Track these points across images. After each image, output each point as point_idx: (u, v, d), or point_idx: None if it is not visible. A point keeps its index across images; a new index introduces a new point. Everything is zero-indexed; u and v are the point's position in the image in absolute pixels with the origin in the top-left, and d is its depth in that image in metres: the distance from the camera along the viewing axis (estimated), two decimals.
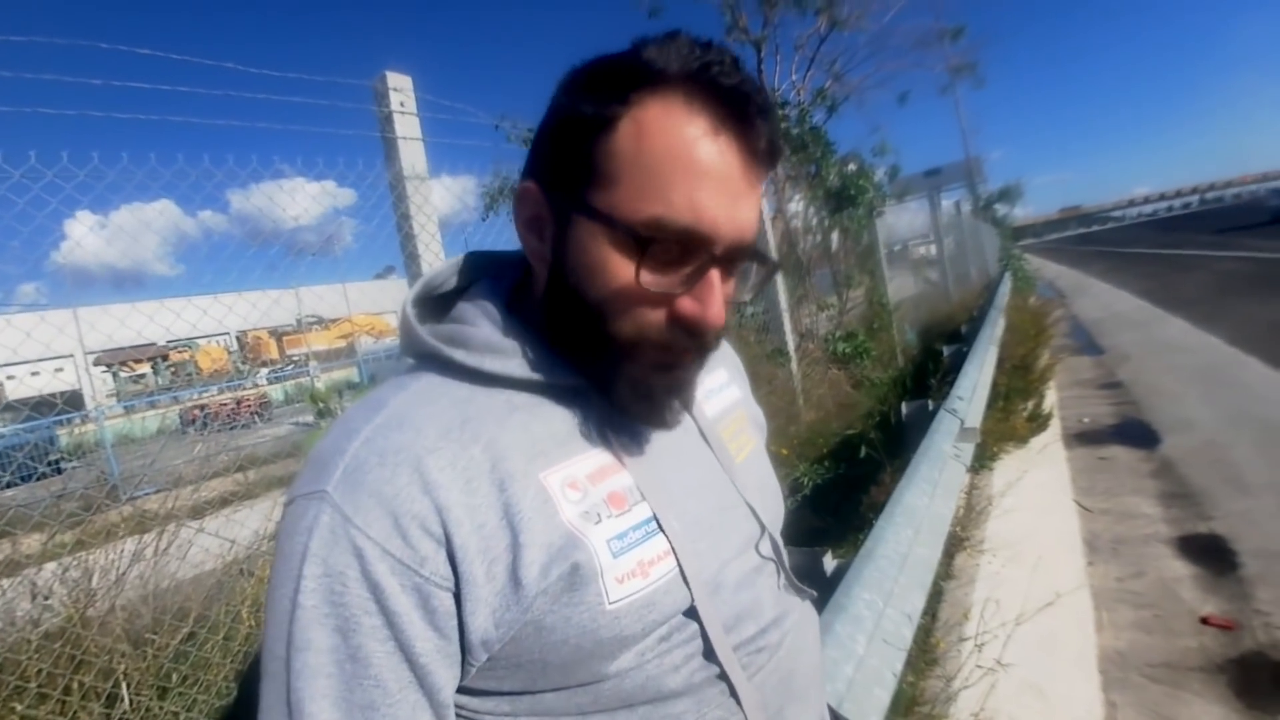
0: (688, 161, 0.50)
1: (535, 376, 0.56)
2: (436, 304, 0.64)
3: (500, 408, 0.55)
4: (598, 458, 0.57)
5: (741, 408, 0.77)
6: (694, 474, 0.63)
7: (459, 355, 0.56)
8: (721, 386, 0.75)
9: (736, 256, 0.55)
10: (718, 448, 0.67)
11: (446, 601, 0.49)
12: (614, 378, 0.56)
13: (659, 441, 0.61)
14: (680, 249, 0.52)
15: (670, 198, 0.50)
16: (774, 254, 4.81)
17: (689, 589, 0.56)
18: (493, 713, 0.54)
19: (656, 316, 0.54)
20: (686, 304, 0.53)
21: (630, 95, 0.51)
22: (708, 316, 0.53)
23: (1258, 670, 2.11)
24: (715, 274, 0.53)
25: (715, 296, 0.53)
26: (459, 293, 0.64)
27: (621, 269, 0.52)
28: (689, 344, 0.55)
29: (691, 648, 0.56)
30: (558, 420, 0.57)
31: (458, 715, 0.54)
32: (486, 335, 0.57)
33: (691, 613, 0.56)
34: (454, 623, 0.49)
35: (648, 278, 0.52)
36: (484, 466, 0.51)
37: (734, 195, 0.52)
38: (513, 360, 0.56)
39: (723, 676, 0.57)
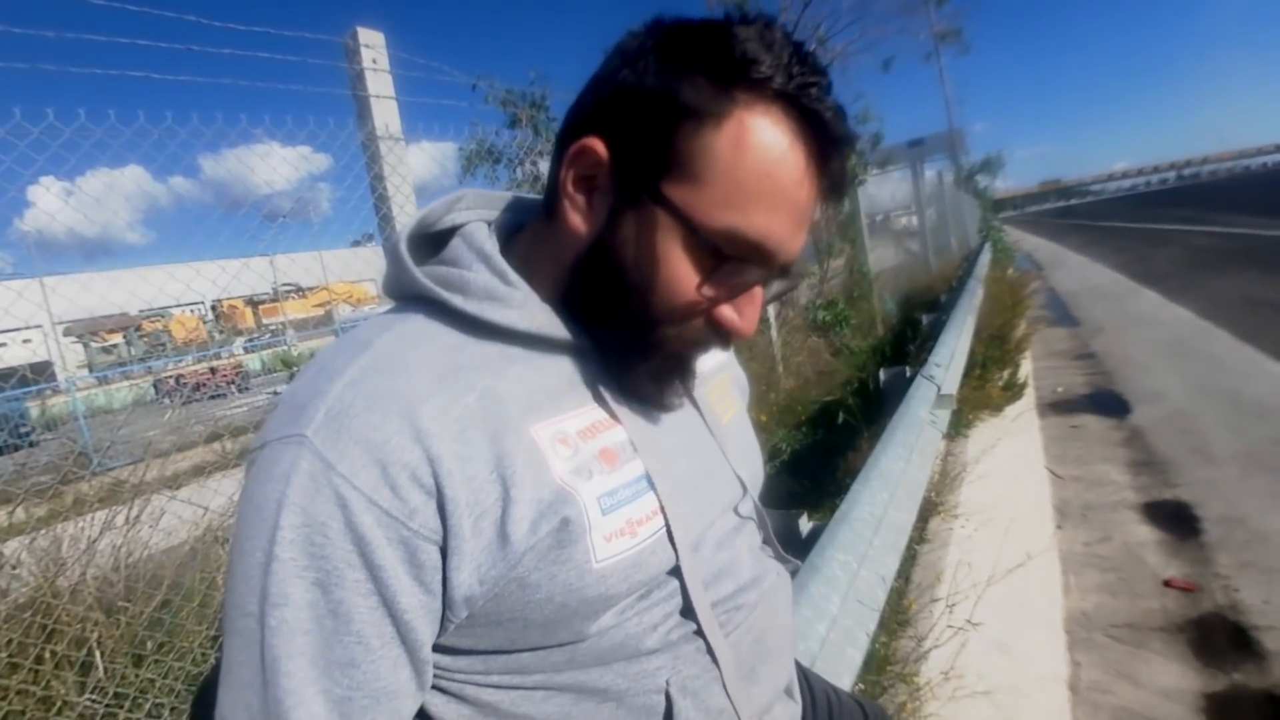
0: (777, 187, 0.50)
1: (536, 330, 0.55)
2: (429, 243, 0.62)
3: (495, 358, 0.53)
4: (590, 413, 0.56)
5: (726, 370, 0.76)
6: (683, 434, 0.63)
7: (457, 300, 0.54)
8: None
9: (781, 274, 0.56)
10: (705, 409, 0.67)
11: (434, 556, 0.47)
12: (633, 360, 0.56)
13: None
14: (740, 264, 0.52)
15: (749, 214, 0.50)
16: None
17: (674, 549, 0.55)
18: (465, 671, 0.53)
19: (697, 318, 0.54)
20: (728, 314, 0.54)
21: (734, 92, 0.49)
22: (743, 328, 0.55)
23: (1215, 631, 2.18)
24: (759, 290, 0.55)
25: (754, 311, 0.56)
26: (453, 232, 0.61)
27: (684, 271, 0.52)
28: (711, 342, 0.57)
29: (671, 605, 0.56)
30: (552, 374, 0.55)
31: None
32: (486, 282, 0.55)
33: (674, 571, 0.55)
34: (439, 578, 0.47)
35: (707, 287, 0.52)
36: (478, 416, 0.49)
37: (800, 223, 0.53)
38: (514, 311, 0.54)
39: (699, 634, 0.57)
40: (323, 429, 0.46)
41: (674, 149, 0.50)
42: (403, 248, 0.57)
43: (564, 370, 0.56)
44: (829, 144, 0.51)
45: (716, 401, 0.70)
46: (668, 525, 0.55)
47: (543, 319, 0.55)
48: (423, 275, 0.55)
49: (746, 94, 0.49)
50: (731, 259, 0.51)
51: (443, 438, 0.47)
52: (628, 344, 0.55)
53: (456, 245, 0.58)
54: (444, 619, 0.49)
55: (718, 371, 0.73)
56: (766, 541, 0.70)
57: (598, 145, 0.52)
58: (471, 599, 0.48)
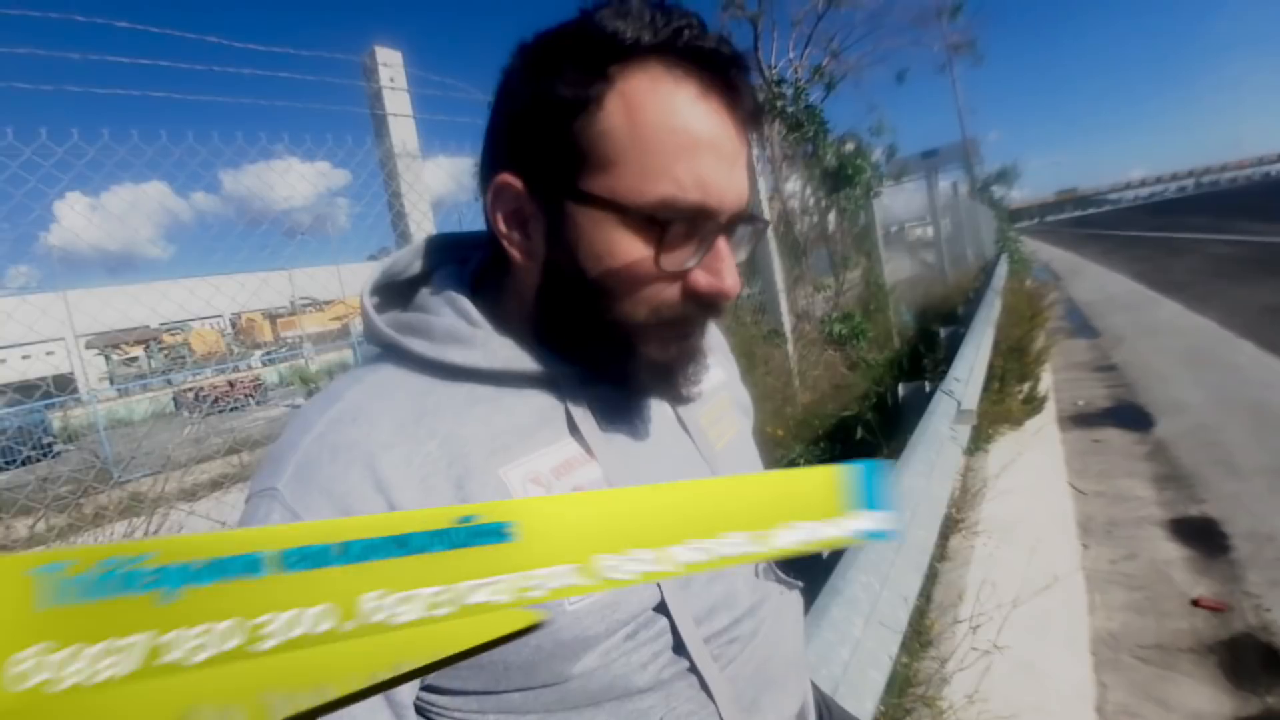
0: (685, 134, 0.49)
1: (501, 367, 0.54)
2: (400, 291, 0.62)
3: (461, 400, 0.53)
4: (564, 449, 0.55)
5: (725, 391, 0.74)
6: (669, 464, 0.61)
7: (419, 346, 0.54)
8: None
9: (738, 222, 0.54)
10: (696, 435, 0.65)
11: None
12: (629, 361, 0.55)
13: (632, 430, 0.59)
14: (689, 224, 0.51)
15: (675, 174, 0.49)
16: (768, 226, 4.79)
17: (658, 585, 0.54)
18: (461, 709, 0.53)
19: (671, 294, 0.53)
20: (702, 278, 0.53)
21: (609, 70, 0.49)
22: (724, 288, 0.53)
23: (1247, 652, 2.12)
24: (723, 243, 0.53)
25: (728, 266, 0.54)
26: (424, 278, 0.62)
27: (636, 253, 0.51)
28: (703, 315, 0.56)
29: (660, 644, 0.54)
30: (523, 412, 0.55)
31: (428, 712, 0.53)
32: (450, 324, 0.55)
33: (661, 608, 0.54)
34: None
35: (664, 258, 0.51)
36: (440, 463, 0.50)
37: (730, 161, 0.52)
38: (477, 351, 0.54)
39: (693, 670, 0.56)
40: (291, 482, 0.47)
41: (577, 147, 0.50)
42: (365, 299, 0.58)
43: (535, 406, 0.56)
44: (719, 71, 0.50)
45: (711, 425, 0.68)
46: None
47: (507, 355, 0.55)
48: (385, 324, 0.56)
49: (619, 66, 0.49)
50: (674, 222, 0.50)
51: (403, 487, 0.48)
52: (614, 349, 0.54)
53: (425, 292, 0.59)
54: None
55: (715, 392, 0.72)
56: (767, 564, 0.68)
57: (509, 178, 0.53)
58: None
